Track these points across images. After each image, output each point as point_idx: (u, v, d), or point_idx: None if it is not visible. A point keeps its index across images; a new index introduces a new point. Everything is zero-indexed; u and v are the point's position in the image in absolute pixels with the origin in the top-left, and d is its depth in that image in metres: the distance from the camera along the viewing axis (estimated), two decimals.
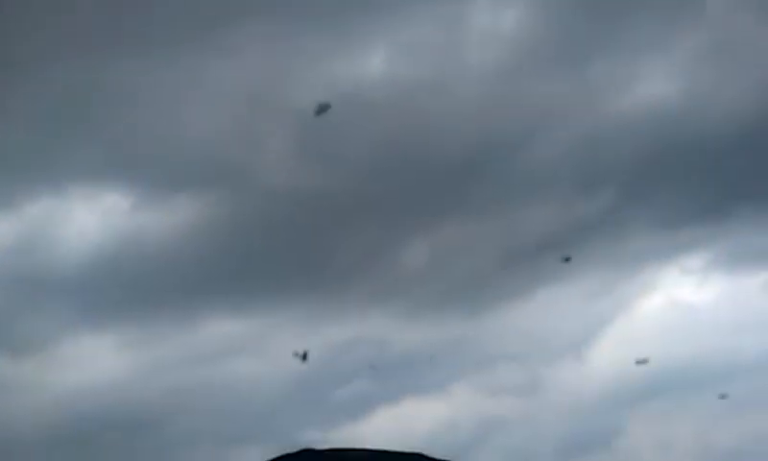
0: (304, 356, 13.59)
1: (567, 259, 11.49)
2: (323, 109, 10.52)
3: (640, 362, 11.08)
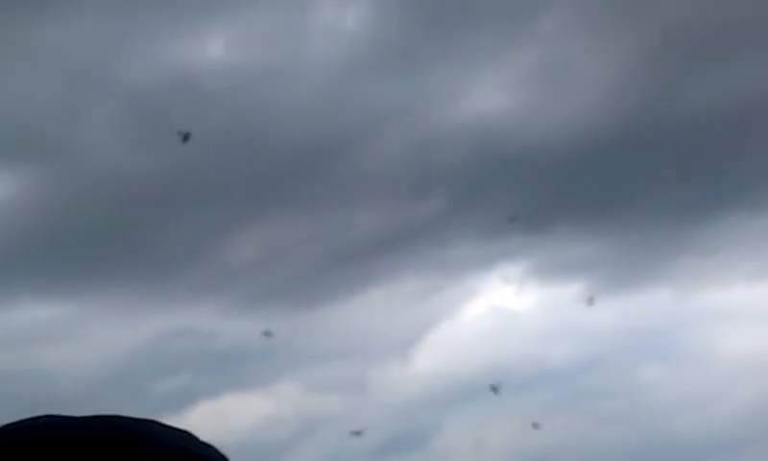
0: None
1: (514, 219, 11.30)
2: (185, 137, 10.13)
3: (355, 434, 11.15)
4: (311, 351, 16.55)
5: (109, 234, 15.79)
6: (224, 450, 0.80)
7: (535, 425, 11.87)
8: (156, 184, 15.23)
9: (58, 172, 15.67)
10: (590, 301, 13.31)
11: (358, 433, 11.16)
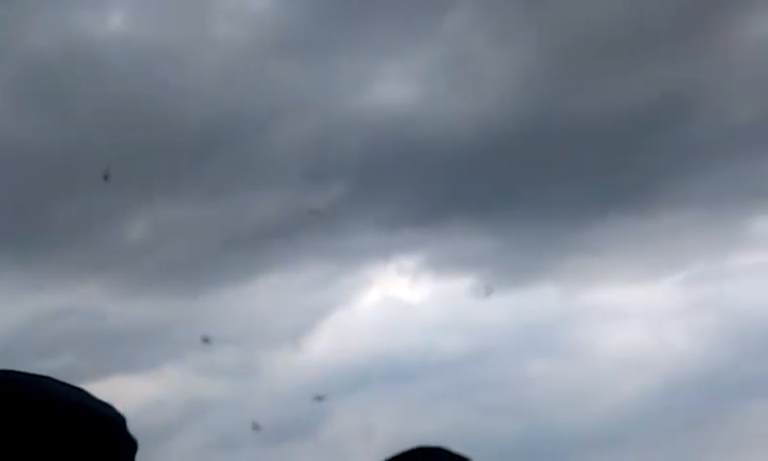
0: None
1: (314, 212, 11.04)
2: (105, 177, 9.02)
3: (318, 399, 11.27)
4: (200, 335, 16.31)
5: None
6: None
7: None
8: (46, 158, 14.67)
9: None
10: (489, 291, 13.58)
11: (257, 427, 11.02)
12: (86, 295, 15.39)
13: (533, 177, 15.61)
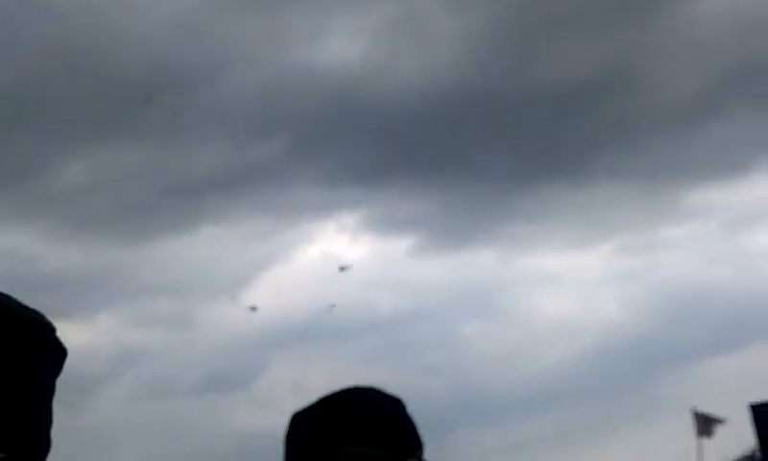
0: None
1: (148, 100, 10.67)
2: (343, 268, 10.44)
3: (344, 268, 11.49)
4: (137, 285, 16.16)
5: None
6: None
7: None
8: None
9: None
10: (346, 267, 13.83)
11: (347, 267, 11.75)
12: (21, 237, 15.12)
13: (475, 142, 15.75)
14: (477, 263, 17.17)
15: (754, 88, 15.13)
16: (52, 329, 0.79)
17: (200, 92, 15.52)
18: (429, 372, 15.79)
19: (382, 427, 1.16)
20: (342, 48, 15.98)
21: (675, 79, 15.54)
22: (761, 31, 14.74)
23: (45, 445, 0.76)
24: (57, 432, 0.77)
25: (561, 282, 17.49)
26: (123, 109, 14.70)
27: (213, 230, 16.84)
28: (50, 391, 0.78)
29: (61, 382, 0.84)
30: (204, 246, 16.35)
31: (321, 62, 15.65)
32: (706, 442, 9.39)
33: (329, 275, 15.12)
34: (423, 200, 17.38)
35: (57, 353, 0.79)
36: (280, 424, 1.22)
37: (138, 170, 15.75)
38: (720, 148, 16.18)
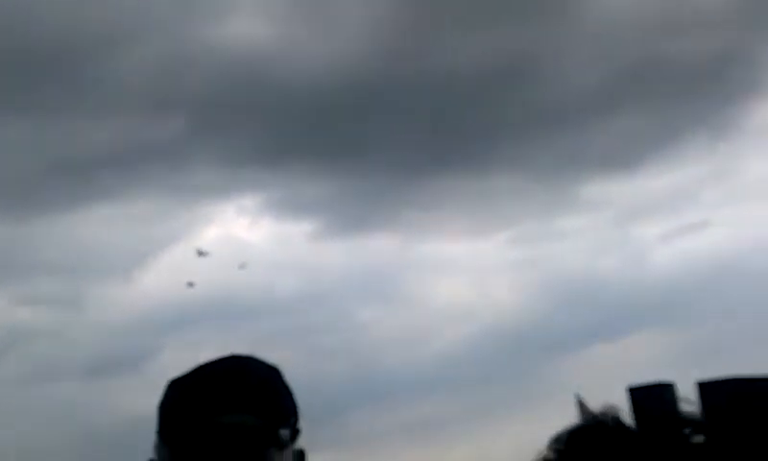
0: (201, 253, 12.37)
1: None
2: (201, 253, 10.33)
3: (190, 285, 11.32)
4: (24, 262, 15.63)
5: None
6: None
7: None
8: None
9: None
10: (243, 265, 13.91)
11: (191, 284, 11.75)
12: None
13: (377, 128, 15.83)
14: (376, 249, 17.31)
15: (649, 86, 15.69)
16: None
17: (96, 64, 15.05)
18: (326, 355, 15.86)
19: (256, 395, 1.16)
20: (247, 26, 15.76)
21: (576, 73, 15.98)
22: (659, 30, 15.29)
23: None
24: None
25: (457, 269, 17.82)
26: (13, 79, 14.14)
27: (107, 209, 16.41)
28: None
29: None
30: (97, 225, 15.93)
31: (225, 40, 15.40)
32: None
33: (228, 257, 14.95)
34: (325, 184, 17.39)
35: None
36: None
37: (28, 143, 15.19)
38: (616, 142, 16.74)
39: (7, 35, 13.72)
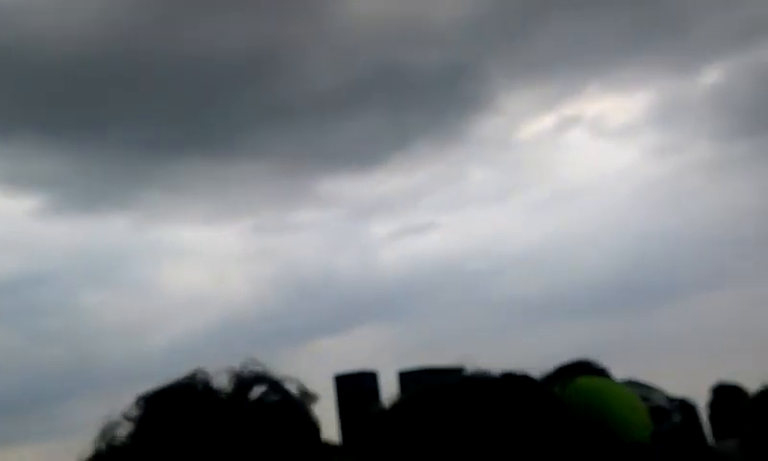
0: None
1: None
2: None
3: None
4: None
5: None
6: None
7: None
8: None
9: None
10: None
11: None
12: None
13: (118, 105, 15.19)
14: (109, 230, 16.64)
15: (388, 92, 16.45)
16: None
17: None
18: (45, 340, 14.97)
19: None
20: None
21: (321, 72, 16.39)
22: (401, 40, 16.08)
23: None
24: None
25: (194, 255, 17.56)
26: None
27: None
28: None
29: None
30: None
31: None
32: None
33: None
34: (57, 158, 16.45)
35: None
36: None
37: None
38: (353, 143, 17.38)
39: None
